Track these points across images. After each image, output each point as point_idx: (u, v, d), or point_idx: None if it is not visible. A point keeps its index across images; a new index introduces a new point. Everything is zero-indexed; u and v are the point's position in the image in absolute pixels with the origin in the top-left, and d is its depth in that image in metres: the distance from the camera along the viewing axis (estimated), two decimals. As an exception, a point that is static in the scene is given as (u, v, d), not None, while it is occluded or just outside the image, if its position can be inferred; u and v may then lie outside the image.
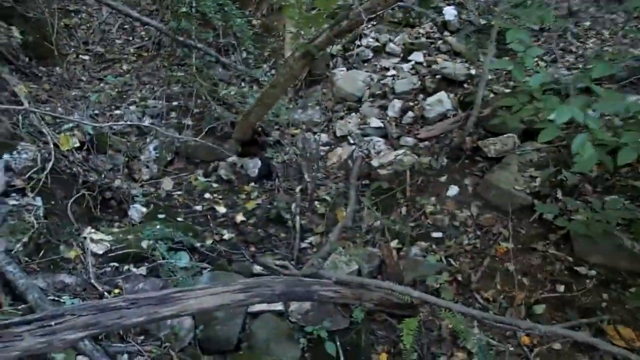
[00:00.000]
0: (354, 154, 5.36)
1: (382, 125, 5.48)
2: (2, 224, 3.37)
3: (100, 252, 4.23)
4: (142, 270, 4.20)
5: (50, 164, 4.28)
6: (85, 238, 4.30)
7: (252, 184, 5.68)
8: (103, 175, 5.04)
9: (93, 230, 4.43)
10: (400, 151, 4.99)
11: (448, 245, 4.05)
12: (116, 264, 4.20)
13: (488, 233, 4.00)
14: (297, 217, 4.86)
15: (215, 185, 5.72)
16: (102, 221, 4.82)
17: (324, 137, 5.87)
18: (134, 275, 3.77)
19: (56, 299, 3.18)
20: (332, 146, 5.78)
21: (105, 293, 3.48)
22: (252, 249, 4.67)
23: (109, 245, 4.29)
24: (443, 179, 4.55)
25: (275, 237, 4.82)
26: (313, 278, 3.31)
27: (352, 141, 5.60)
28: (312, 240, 4.72)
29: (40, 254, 3.58)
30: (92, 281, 3.57)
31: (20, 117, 4.68)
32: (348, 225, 4.46)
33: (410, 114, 5.41)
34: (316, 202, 5.14)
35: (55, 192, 4.38)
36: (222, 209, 5.30)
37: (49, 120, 4.99)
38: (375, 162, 4.99)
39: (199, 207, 5.30)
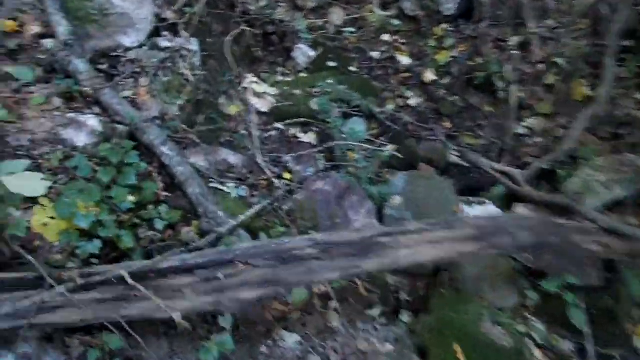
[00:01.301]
0: (616, -5, 3.54)
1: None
2: (154, 79, 2.64)
3: (265, 109, 3.46)
4: (312, 137, 3.40)
5: (205, -11, 3.32)
6: (246, 88, 3.52)
7: (446, 25, 4.24)
8: (264, 2, 4.00)
9: (255, 79, 3.60)
10: None
11: None
12: (281, 127, 3.44)
13: None
14: (513, 87, 3.50)
15: (395, 22, 4.38)
16: (263, 64, 3.96)
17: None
18: (306, 157, 2.97)
19: (219, 187, 2.53)
20: (575, -23, 3.92)
21: (275, 180, 2.76)
22: (447, 124, 3.55)
23: (273, 100, 3.49)
24: None
25: (479, 110, 3.60)
26: (567, 214, 2.20)
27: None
28: (533, 124, 3.42)
29: (199, 117, 2.87)
30: (259, 161, 2.85)
31: None
32: (599, 112, 3.04)
33: None
34: (541, 66, 3.66)
35: (211, 28, 3.51)
36: (405, 59, 4.08)
37: None
38: (655, 13, 3.20)
39: (375, 54, 4.13)
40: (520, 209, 2.54)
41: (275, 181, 2.73)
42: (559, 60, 3.57)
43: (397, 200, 2.53)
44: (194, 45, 3.06)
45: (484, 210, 2.47)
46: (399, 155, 3.21)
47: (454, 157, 3.25)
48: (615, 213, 2.61)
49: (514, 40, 3.86)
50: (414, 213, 2.46)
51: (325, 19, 4.50)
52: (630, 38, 3.39)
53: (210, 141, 2.87)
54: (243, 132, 3.28)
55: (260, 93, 3.49)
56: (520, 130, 3.38)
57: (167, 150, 2.32)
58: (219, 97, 3.40)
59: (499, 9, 4.05)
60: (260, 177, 2.76)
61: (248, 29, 3.71)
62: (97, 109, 2.40)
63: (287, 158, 3.03)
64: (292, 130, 3.47)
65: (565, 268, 2.34)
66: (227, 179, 2.64)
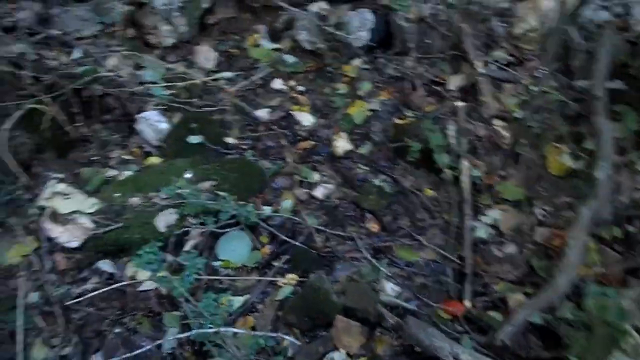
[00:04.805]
0: None
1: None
2: None
3: (75, 242, 2.07)
4: (149, 284, 2.06)
5: None
6: (43, 208, 2.11)
7: (360, 61, 3.03)
8: (78, 54, 2.58)
9: (61, 187, 2.20)
10: None
11: None
12: (106, 267, 2.08)
13: None
14: (464, 164, 2.35)
15: (289, 60, 3.12)
16: (89, 148, 2.55)
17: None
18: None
19: None
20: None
21: None
22: (373, 225, 2.34)
23: (90, 224, 2.10)
24: None
25: (415, 197, 2.40)
26: None
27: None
28: (497, 219, 2.28)
29: None
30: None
31: None
32: (603, 212, 1.94)
33: None
34: (499, 122, 2.53)
35: None
36: (306, 118, 2.83)
37: None
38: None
39: (263, 113, 2.84)
40: None
41: None
42: (522, 114, 2.46)
43: None
44: None
45: None
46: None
47: (388, 294, 2.04)
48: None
49: (454, 82, 2.72)
50: None
51: (188, 60, 3.15)
52: (619, 77, 2.33)
53: None
54: (36, 301, 1.89)
55: (65, 215, 2.10)
56: (481, 232, 2.23)
57: None
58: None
59: (428, 35, 2.89)
60: None
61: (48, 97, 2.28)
62: None
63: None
64: (129, 270, 2.11)
65: None
66: None
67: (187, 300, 1.73)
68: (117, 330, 1.89)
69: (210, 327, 1.65)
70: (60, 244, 2.05)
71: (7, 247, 2.00)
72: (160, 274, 1.76)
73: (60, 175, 2.33)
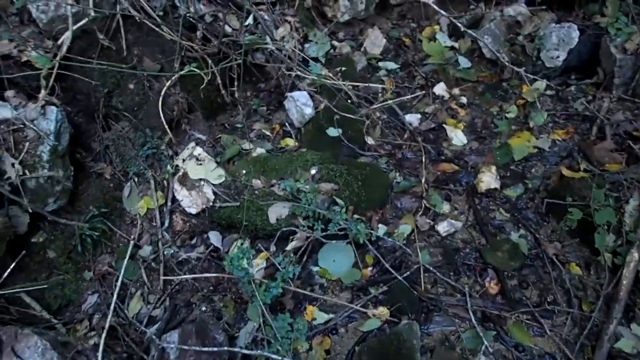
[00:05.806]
0: None
1: None
2: None
3: (194, 209, 2.18)
4: (260, 266, 2.08)
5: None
6: (177, 169, 2.25)
7: (544, 84, 2.55)
8: (249, 20, 2.61)
9: (198, 152, 2.29)
10: None
11: None
12: (213, 240, 2.16)
13: None
14: (635, 253, 1.85)
15: (463, 63, 2.78)
16: (235, 114, 2.62)
17: None
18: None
19: None
20: None
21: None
22: (492, 287, 2.01)
23: (211, 195, 2.18)
24: None
25: (556, 269, 1.99)
26: None
27: None
28: (656, 337, 1.79)
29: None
30: None
31: None
32: None
33: None
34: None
35: (141, 61, 2.23)
36: (458, 136, 2.52)
37: None
38: None
39: (413, 119, 2.60)
40: None
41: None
42: None
43: None
44: (50, 118, 1.82)
45: None
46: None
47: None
48: None
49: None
50: None
51: (358, 39, 3.01)
52: None
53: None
54: (147, 256, 2.06)
55: (194, 181, 2.20)
56: (625, 344, 1.77)
57: None
58: (126, 185, 2.19)
59: (645, 73, 2.29)
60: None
61: (213, 64, 2.36)
62: None
63: None
64: (233, 249, 2.17)
65: None
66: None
67: (263, 315, 1.69)
68: (203, 308, 1.97)
69: (279, 349, 1.60)
70: (182, 207, 2.18)
71: (138, 197, 2.18)
72: (245, 280, 1.74)
73: (203, 137, 2.46)
